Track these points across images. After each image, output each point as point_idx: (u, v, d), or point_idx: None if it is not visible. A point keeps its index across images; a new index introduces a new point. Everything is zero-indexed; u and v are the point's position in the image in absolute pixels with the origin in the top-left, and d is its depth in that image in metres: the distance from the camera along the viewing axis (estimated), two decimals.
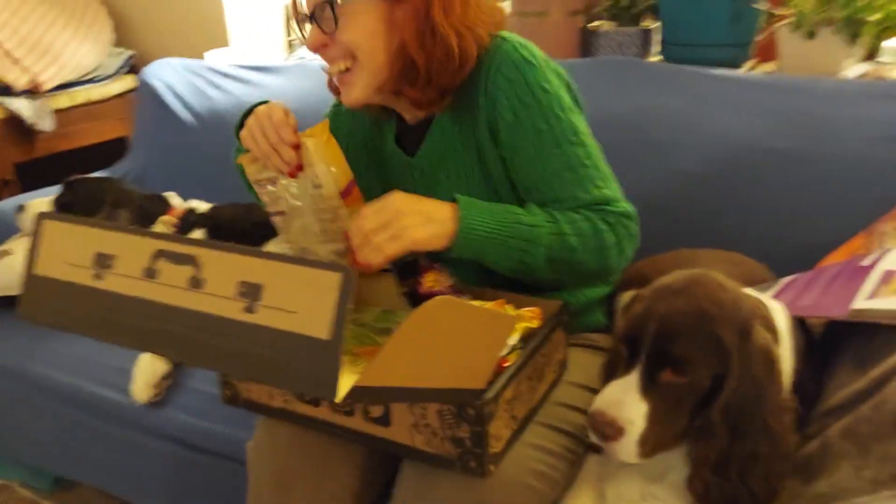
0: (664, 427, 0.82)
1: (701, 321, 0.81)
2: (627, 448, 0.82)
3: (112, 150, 2.52)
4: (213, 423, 1.37)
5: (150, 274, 0.70)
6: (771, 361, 0.81)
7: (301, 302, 0.63)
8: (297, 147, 1.06)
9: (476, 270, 1.14)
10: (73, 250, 0.74)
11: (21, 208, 1.73)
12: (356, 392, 0.68)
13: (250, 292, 0.65)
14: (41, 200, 1.74)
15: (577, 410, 1.05)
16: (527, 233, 1.01)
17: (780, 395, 0.81)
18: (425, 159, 1.15)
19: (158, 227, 1.65)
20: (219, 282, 0.66)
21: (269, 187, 1.11)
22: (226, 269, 0.66)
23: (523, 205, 1.06)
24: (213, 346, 0.66)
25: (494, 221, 1.01)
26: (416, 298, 1.11)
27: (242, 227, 1.65)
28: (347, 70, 1.07)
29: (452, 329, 0.77)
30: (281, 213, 1.13)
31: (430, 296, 1.09)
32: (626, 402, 0.82)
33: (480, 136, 1.08)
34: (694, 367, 0.80)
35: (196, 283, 0.67)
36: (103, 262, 0.72)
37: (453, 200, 1.02)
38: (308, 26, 1.08)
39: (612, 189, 1.05)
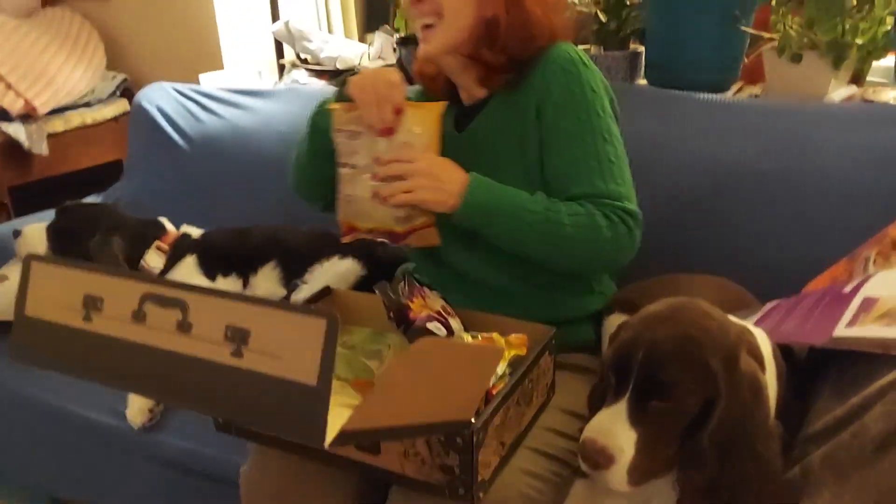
0: (654, 454, 0.83)
1: (688, 348, 0.82)
2: (618, 476, 0.82)
3: (106, 173, 2.53)
4: (206, 446, 1.37)
5: (139, 317, 0.70)
6: (758, 388, 0.82)
7: (288, 347, 0.64)
8: (398, 111, 1.14)
9: (487, 268, 1.21)
10: (61, 292, 0.75)
11: (17, 233, 1.74)
12: (344, 436, 0.68)
13: (237, 337, 0.65)
14: (37, 226, 1.74)
15: (564, 436, 1.07)
16: (526, 216, 1.11)
17: (767, 420, 0.82)
18: (472, 135, 1.26)
19: (152, 252, 1.66)
20: (206, 326, 0.67)
21: (348, 139, 1.19)
22: (213, 313, 0.67)
23: (547, 186, 1.16)
24: (201, 390, 0.67)
25: (496, 202, 1.12)
26: (404, 322, 1.12)
27: (236, 252, 1.66)
28: (430, 27, 1.19)
29: (440, 368, 0.78)
30: (352, 166, 1.19)
31: (418, 321, 1.11)
32: (616, 430, 0.83)
33: (527, 117, 1.19)
34: (681, 394, 0.81)
35: (184, 327, 0.68)
36: (92, 304, 0.73)
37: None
38: None
39: (626, 189, 1.15)
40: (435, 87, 1.34)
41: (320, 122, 1.24)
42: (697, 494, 0.81)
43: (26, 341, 0.77)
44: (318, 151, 1.26)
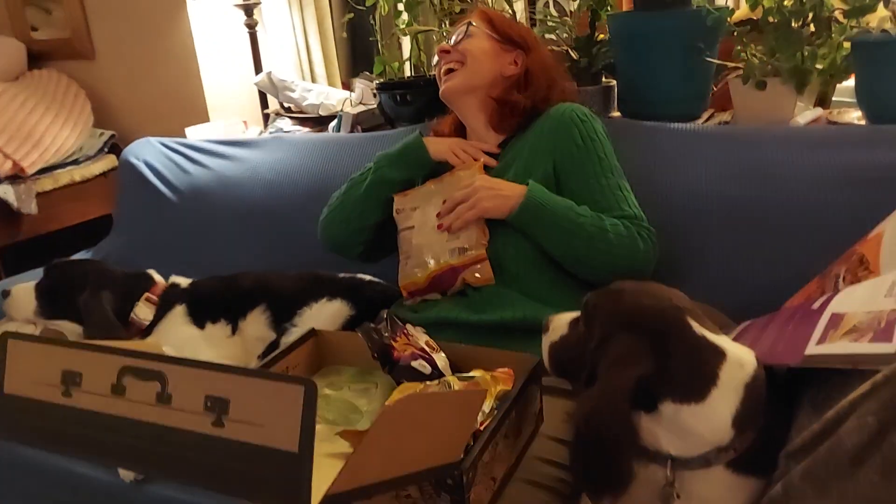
0: (568, 353, 0.99)
1: (622, 296, 0.92)
2: (546, 344, 1.03)
3: (96, 228, 2.55)
4: (199, 497, 1.36)
5: (118, 390, 0.71)
6: (620, 366, 0.85)
7: (268, 415, 0.64)
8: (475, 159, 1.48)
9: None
10: (40, 369, 0.75)
11: (6, 293, 1.73)
12: (331, 499, 0.69)
13: (217, 406, 0.66)
14: (25, 285, 1.74)
15: (554, 465, 1.08)
16: (575, 218, 1.31)
17: (614, 396, 0.83)
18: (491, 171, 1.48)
19: (141, 305, 1.66)
20: (186, 397, 0.68)
21: (408, 213, 1.48)
22: (192, 384, 0.68)
23: None
24: (184, 461, 0.68)
25: (552, 202, 1.32)
26: (389, 362, 1.13)
27: (224, 298, 1.67)
28: (452, 71, 1.49)
29: (424, 419, 0.79)
30: (410, 228, 1.47)
31: (402, 360, 1.12)
32: (560, 321, 1.02)
33: (537, 153, 1.42)
34: (590, 321, 0.93)
35: (163, 399, 0.69)
36: (71, 379, 0.73)
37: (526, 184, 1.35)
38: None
39: (642, 213, 1.37)
40: (450, 128, 1.61)
41: (387, 174, 1.50)
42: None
43: (7, 418, 0.77)
44: (375, 201, 1.51)
